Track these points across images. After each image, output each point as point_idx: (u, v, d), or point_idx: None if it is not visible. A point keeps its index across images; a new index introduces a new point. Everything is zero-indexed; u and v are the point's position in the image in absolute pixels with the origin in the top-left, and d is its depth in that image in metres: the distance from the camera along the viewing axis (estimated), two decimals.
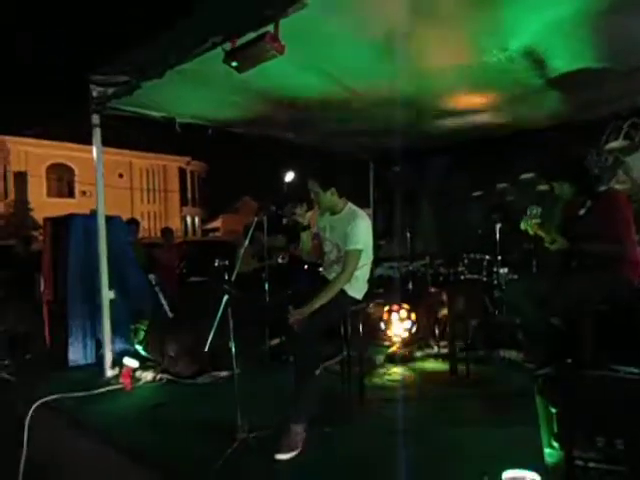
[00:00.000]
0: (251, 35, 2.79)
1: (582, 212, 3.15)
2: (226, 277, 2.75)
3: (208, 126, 4.95)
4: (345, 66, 3.44)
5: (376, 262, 7.15)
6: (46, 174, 30.03)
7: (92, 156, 4.40)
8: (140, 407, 3.49)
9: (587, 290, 2.94)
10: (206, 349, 2.78)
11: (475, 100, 4.43)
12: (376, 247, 7.37)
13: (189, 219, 36.82)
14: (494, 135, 5.72)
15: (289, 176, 6.27)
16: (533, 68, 3.60)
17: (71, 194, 30.86)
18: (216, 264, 5.14)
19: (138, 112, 4.43)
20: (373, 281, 6.69)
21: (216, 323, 2.78)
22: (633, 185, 4.54)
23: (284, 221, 3.37)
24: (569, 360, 2.83)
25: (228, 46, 2.92)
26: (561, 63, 3.57)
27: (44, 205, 25.02)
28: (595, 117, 5.09)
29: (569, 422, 1.82)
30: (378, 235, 7.42)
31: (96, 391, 3.75)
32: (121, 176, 32.14)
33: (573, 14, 2.85)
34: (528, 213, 3.16)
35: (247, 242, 2.94)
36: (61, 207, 18.61)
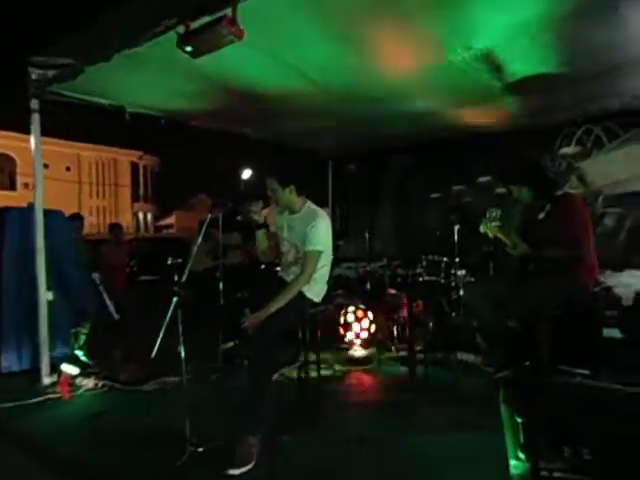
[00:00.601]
0: (207, 18, 2.61)
1: (542, 216, 3.15)
2: (176, 277, 2.53)
3: (160, 117, 4.68)
4: (309, 58, 3.31)
5: (335, 262, 7.09)
6: None
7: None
8: (78, 417, 3.21)
9: (544, 294, 2.94)
10: (153, 355, 2.56)
11: (436, 100, 4.41)
12: (334, 247, 7.36)
13: (141, 215, 35.55)
14: (452, 137, 5.76)
15: (246, 173, 6.06)
16: (492, 70, 3.60)
17: (13, 186, 29.05)
18: (169, 262, 4.88)
19: (83, 99, 4.12)
20: (332, 282, 6.67)
21: (164, 326, 2.58)
22: (587, 190, 4.65)
23: (238, 218, 3.17)
24: (527, 364, 2.81)
25: (182, 29, 2.73)
26: (521, 67, 3.60)
27: None
28: (550, 123, 5.22)
29: (534, 432, 1.76)
30: (336, 235, 7.36)
31: (30, 400, 3.44)
32: (68, 169, 30.61)
33: (539, 17, 2.85)
34: (487, 216, 3.10)
35: (200, 239, 2.75)
36: (1, 200, 17.44)
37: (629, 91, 4.24)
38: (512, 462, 1.81)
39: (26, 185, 27.04)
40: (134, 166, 34.87)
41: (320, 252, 2.88)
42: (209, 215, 2.79)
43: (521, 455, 1.76)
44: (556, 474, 1.73)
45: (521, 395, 1.86)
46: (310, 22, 2.90)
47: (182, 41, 2.69)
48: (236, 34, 2.57)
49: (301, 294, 2.87)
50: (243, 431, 2.53)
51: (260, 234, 3.09)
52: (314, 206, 3.07)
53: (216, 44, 2.64)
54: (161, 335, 2.57)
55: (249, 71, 3.54)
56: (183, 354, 2.62)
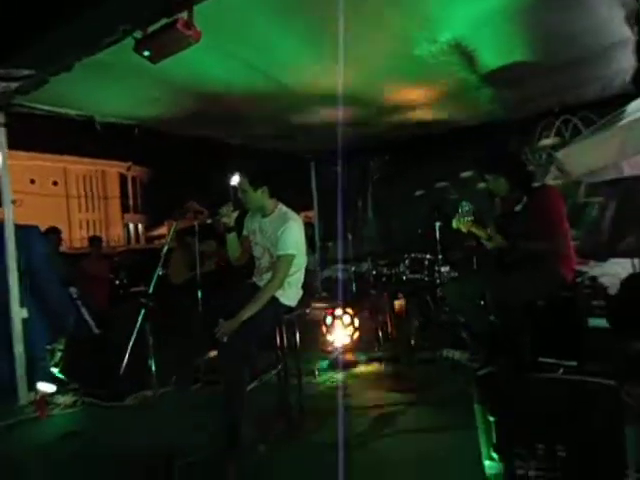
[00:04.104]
0: (164, 22, 2.55)
1: (518, 208, 3.10)
2: (141, 288, 2.46)
3: (133, 125, 4.61)
4: (271, 58, 3.24)
5: (325, 264, 7.06)
6: None
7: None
8: (53, 437, 3.09)
9: (520, 287, 2.89)
10: (122, 371, 2.48)
11: (412, 96, 4.37)
12: (323, 249, 7.33)
13: (132, 226, 35.40)
14: (434, 133, 5.73)
15: (235, 179, 5.97)
16: (464, 62, 3.56)
17: None
18: (160, 273, 4.83)
19: (51, 110, 4.05)
20: (320, 284, 6.62)
21: (133, 339, 2.50)
22: (567, 180, 4.62)
23: (209, 221, 3.09)
24: (507, 359, 2.76)
25: (140, 34, 2.66)
26: (491, 58, 3.55)
27: None
28: (529, 114, 5.19)
29: (508, 431, 1.70)
30: (324, 237, 7.32)
31: (5, 422, 3.34)
32: (55, 183, 30.39)
33: (502, 6, 2.81)
34: (460, 210, 3.06)
35: (166, 246, 2.67)
36: None
37: (600, 80, 4.22)
38: (486, 462, 1.75)
39: (13, 202, 26.79)
40: (122, 177, 34.71)
41: (293, 256, 2.81)
42: (174, 223, 2.71)
43: (494, 455, 1.71)
44: (531, 473, 1.67)
45: (493, 393, 1.80)
46: (272, 22, 2.84)
47: (139, 46, 2.63)
48: (193, 37, 2.51)
49: (275, 299, 2.80)
50: (220, 443, 2.46)
51: (231, 238, 3.01)
52: (286, 209, 2.99)
53: (173, 47, 2.58)
54: (129, 349, 2.49)
55: (215, 75, 3.49)
56: (154, 368, 2.54)
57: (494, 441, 1.71)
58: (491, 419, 1.73)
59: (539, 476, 1.67)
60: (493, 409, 1.74)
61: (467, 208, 3.03)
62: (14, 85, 3.60)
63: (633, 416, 1.67)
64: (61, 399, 3.65)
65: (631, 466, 1.58)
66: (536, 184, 3.33)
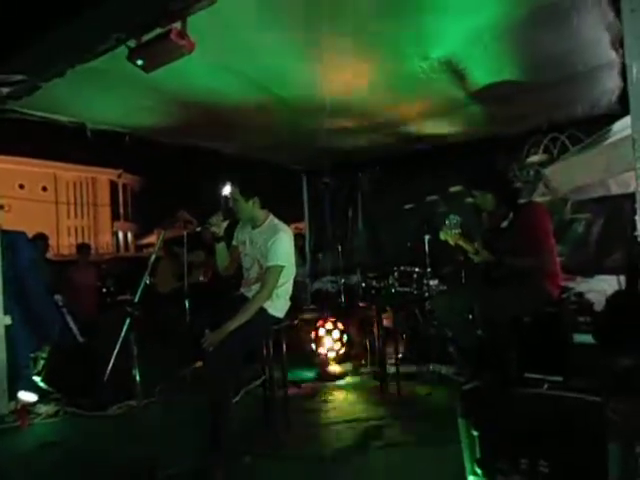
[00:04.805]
0: (158, 31, 2.56)
1: (505, 224, 3.14)
2: (128, 297, 2.44)
3: (125, 133, 4.61)
4: (265, 69, 3.27)
5: (314, 276, 7.06)
6: None
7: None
8: (31, 447, 3.03)
9: (506, 302, 2.91)
10: (105, 379, 2.45)
11: (403, 110, 4.42)
12: (314, 260, 7.33)
13: (121, 234, 35.12)
14: (423, 147, 5.78)
15: (227, 189, 5.99)
16: (454, 79, 3.61)
17: None
18: (147, 281, 4.79)
19: (43, 116, 4.04)
20: (310, 296, 6.61)
21: (117, 347, 2.48)
22: (555, 197, 4.67)
23: (198, 229, 3.08)
24: (493, 374, 2.77)
25: (134, 43, 2.68)
26: (481, 76, 3.61)
27: None
28: (518, 131, 5.27)
29: (491, 446, 1.70)
30: (314, 249, 7.33)
31: None
32: (45, 189, 30.11)
33: (491, 26, 2.87)
34: (447, 223, 3.10)
35: (154, 255, 2.65)
36: None
37: (587, 100, 4.31)
38: (470, 478, 1.75)
39: (1, 207, 26.53)
40: (113, 185, 34.50)
41: (282, 267, 2.81)
42: (163, 232, 2.70)
43: (478, 470, 1.71)
44: None
45: (477, 407, 1.81)
46: (266, 34, 2.87)
47: (133, 54, 2.64)
48: (187, 47, 2.53)
49: (263, 310, 2.79)
50: (206, 454, 2.43)
51: (220, 248, 3.01)
52: (277, 220, 3.00)
53: (167, 57, 2.60)
54: (113, 358, 2.46)
55: (208, 85, 3.50)
56: (138, 378, 2.50)
57: (478, 456, 1.71)
58: (475, 434, 1.73)
59: None
60: (477, 423, 1.74)
61: (455, 221, 3.06)
62: (6, 90, 3.59)
63: (617, 433, 1.68)
64: (43, 408, 3.59)
65: None
66: (523, 200, 3.37)
